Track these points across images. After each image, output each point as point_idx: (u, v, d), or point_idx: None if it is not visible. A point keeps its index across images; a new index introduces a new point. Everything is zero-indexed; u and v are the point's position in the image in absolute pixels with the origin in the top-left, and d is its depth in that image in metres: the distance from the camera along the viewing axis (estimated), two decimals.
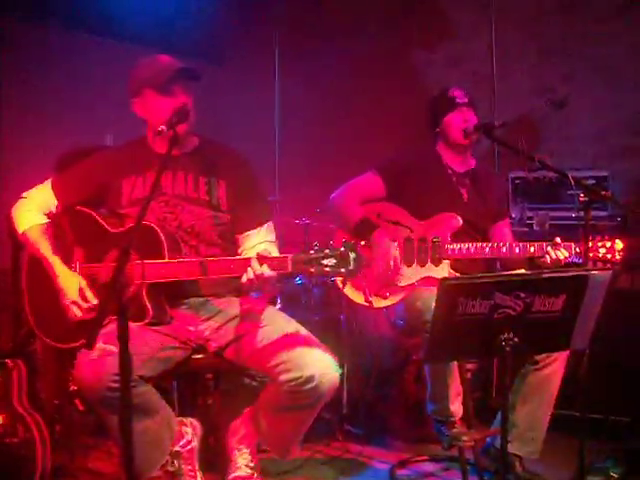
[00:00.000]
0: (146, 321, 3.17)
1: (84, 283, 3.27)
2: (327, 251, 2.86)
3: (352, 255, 2.85)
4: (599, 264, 3.71)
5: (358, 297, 4.04)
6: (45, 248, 3.36)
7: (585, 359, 3.28)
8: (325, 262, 2.85)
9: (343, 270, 2.86)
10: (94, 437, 4.30)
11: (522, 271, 3.81)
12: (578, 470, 3.36)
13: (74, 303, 3.24)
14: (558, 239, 3.82)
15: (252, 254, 3.16)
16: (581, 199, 3.33)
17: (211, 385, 3.63)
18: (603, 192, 3.49)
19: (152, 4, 5.71)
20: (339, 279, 4.04)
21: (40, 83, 5.23)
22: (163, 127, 3.06)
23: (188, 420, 3.41)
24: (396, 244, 3.94)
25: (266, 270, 2.96)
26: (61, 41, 5.42)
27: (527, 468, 3.93)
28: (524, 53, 5.92)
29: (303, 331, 3.31)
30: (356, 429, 4.68)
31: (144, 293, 3.15)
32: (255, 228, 3.49)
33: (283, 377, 3.13)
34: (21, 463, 3.52)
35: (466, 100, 4.15)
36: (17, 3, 5.08)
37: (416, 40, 6.35)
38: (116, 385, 2.86)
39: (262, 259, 2.98)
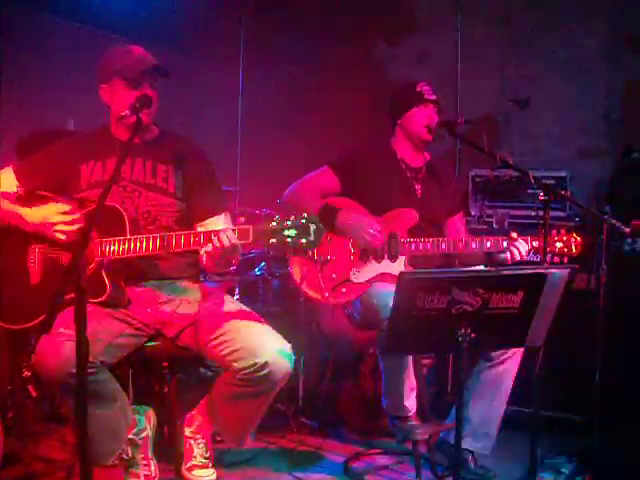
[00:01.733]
0: (103, 298, 3.18)
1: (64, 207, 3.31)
2: (288, 222, 2.89)
3: (312, 227, 2.89)
4: (555, 258, 3.75)
5: (314, 293, 4.03)
6: (8, 205, 3.38)
7: (540, 356, 3.31)
8: (286, 233, 2.88)
9: (304, 240, 2.89)
10: (47, 424, 4.26)
11: (481, 267, 3.83)
12: (530, 466, 3.38)
13: (58, 225, 3.27)
14: (514, 234, 3.86)
15: None
16: (540, 197, 3.36)
17: (167, 374, 3.61)
18: (562, 192, 3.51)
19: None
20: (296, 273, 4.04)
21: (5, 65, 5.15)
22: (127, 112, 3.05)
23: (142, 408, 3.41)
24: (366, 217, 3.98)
25: (232, 237, 2.99)
26: (28, 23, 5.35)
27: (480, 463, 3.97)
28: (489, 51, 5.95)
29: (259, 321, 3.34)
30: (311, 421, 4.68)
31: (103, 271, 3.18)
32: (214, 215, 3.51)
33: (237, 365, 3.16)
34: None
35: (434, 97, 4.15)
36: None
37: (380, 35, 6.35)
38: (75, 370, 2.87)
39: (225, 230, 3.03)
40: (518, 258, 3.86)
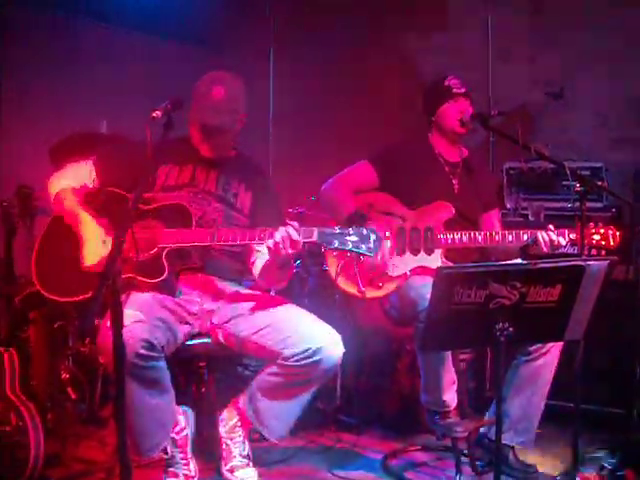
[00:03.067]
0: (160, 279, 3.27)
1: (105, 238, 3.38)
2: (350, 230, 3.07)
3: (373, 236, 3.07)
4: (593, 251, 3.71)
5: (351, 288, 4.03)
6: (75, 205, 3.46)
7: (580, 350, 3.27)
8: (347, 238, 3.06)
9: (363, 247, 3.06)
10: (85, 426, 4.29)
11: (518, 261, 3.80)
12: (571, 461, 3.35)
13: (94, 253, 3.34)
14: (551, 226, 3.83)
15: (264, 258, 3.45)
16: (577, 189, 3.32)
17: (204, 374, 3.62)
18: (599, 182, 3.47)
19: None
20: (332, 269, 4.05)
21: (36, 68, 5.20)
22: (158, 112, 3.06)
23: (182, 408, 3.42)
24: (384, 242, 3.95)
25: (294, 234, 3.12)
26: (58, 25, 5.39)
27: (521, 459, 3.93)
28: (521, 42, 5.89)
29: (306, 312, 3.44)
30: (349, 419, 4.67)
31: (164, 255, 3.29)
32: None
33: (288, 351, 3.21)
34: (14, 451, 3.50)
35: (463, 90, 4.14)
36: None
37: (411, 27, 6.31)
38: (144, 352, 2.99)
39: (289, 224, 3.17)
40: (549, 243, 3.82)
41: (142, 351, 2.98)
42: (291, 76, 6.51)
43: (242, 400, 3.46)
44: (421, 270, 3.98)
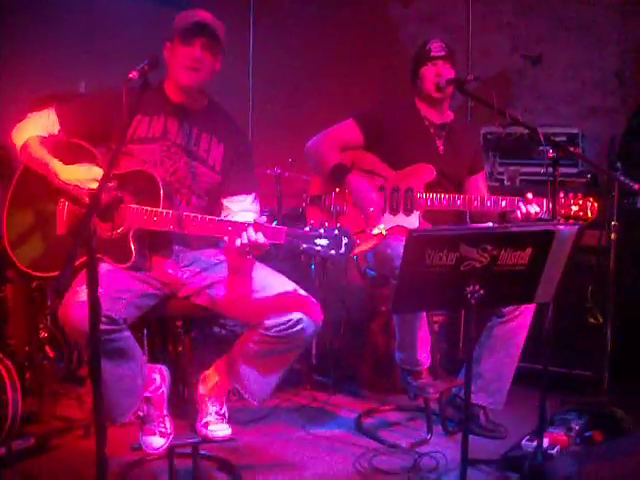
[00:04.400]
0: (128, 264, 3.19)
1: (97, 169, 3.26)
2: (321, 231, 2.92)
3: (344, 240, 2.93)
4: (571, 222, 3.75)
5: None
6: (45, 155, 3.31)
7: (550, 312, 3.33)
8: (318, 241, 2.92)
9: (333, 252, 2.93)
10: (64, 384, 4.33)
11: (489, 225, 3.84)
12: (539, 421, 3.42)
13: (84, 182, 3.21)
14: (530, 195, 3.86)
15: (238, 219, 3.27)
16: (549, 155, 3.35)
17: (181, 332, 3.65)
18: (572, 149, 3.51)
19: None
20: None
21: (17, 28, 5.17)
22: (134, 73, 3.04)
23: (157, 366, 3.44)
24: (370, 186, 4.00)
25: (261, 238, 3.02)
26: None
27: (491, 419, 4.02)
28: (501, 9, 5.90)
29: (287, 282, 3.37)
30: (324, 378, 4.74)
31: (131, 236, 3.19)
32: (242, 194, 3.54)
33: (269, 322, 3.20)
34: None
35: (443, 53, 4.13)
36: None
37: None
38: (104, 327, 2.93)
39: (258, 227, 3.03)
40: (525, 214, 3.87)
41: (101, 326, 2.86)
42: (272, 35, 6.48)
43: (223, 363, 3.48)
44: (399, 230, 4.02)
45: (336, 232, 2.93)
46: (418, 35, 5.87)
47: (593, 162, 3.98)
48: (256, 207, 3.59)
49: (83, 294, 2.84)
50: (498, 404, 3.99)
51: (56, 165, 3.28)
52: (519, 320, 3.87)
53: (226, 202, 3.54)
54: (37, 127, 3.43)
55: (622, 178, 3.58)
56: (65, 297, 3.06)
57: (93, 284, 2.33)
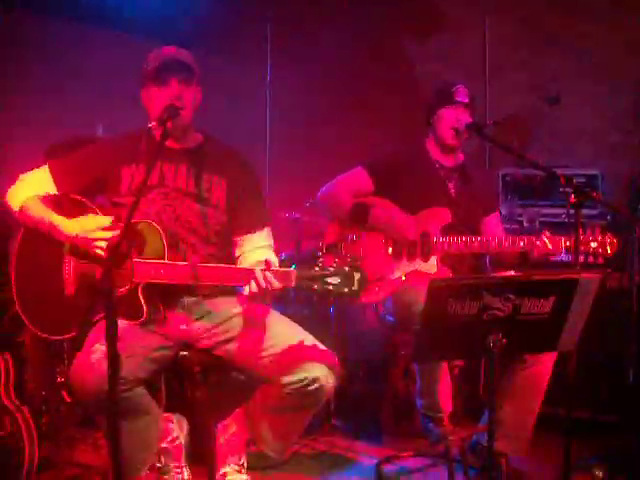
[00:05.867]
0: (141, 320, 3.12)
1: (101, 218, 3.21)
2: (332, 269, 2.86)
3: (357, 275, 2.85)
4: (590, 258, 3.72)
5: None
6: (44, 212, 3.27)
7: (573, 358, 3.28)
8: (329, 280, 2.85)
9: (346, 290, 2.85)
10: (81, 428, 4.29)
11: (512, 273, 3.81)
12: (563, 469, 3.36)
13: (97, 240, 3.14)
14: (547, 233, 3.85)
15: (251, 259, 3.26)
16: (572, 200, 3.32)
17: (199, 379, 3.62)
18: (594, 193, 3.47)
19: None
20: None
21: (31, 72, 5.20)
22: (154, 123, 3.04)
23: (174, 416, 3.41)
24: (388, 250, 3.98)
25: (271, 282, 2.95)
26: (53, 30, 5.39)
27: (513, 466, 3.94)
28: (517, 48, 5.90)
29: (306, 337, 3.28)
30: (343, 424, 4.68)
31: (140, 292, 3.11)
32: (255, 231, 3.47)
33: (285, 379, 3.14)
34: (8, 456, 3.50)
35: (466, 100, 4.11)
36: None
37: (407, 33, 6.32)
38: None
39: (267, 271, 2.96)
40: (544, 252, 3.85)
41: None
42: (288, 82, 6.49)
43: (241, 414, 3.44)
44: (417, 275, 3.99)
45: (347, 269, 2.86)
46: (433, 75, 5.89)
47: (614, 206, 3.94)
48: (270, 240, 3.52)
49: (97, 354, 2.82)
50: (520, 451, 3.92)
51: (58, 220, 3.22)
52: (541, 366, 3.81)
53: (239, 240, 3.48)
54: (32, 187, 3.38)
55: None
56: (75, 359, 3.03)
57: (112, 344, 2.30)
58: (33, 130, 4.99)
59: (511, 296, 2.74)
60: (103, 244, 3.12)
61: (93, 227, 3.15)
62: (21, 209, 3.33)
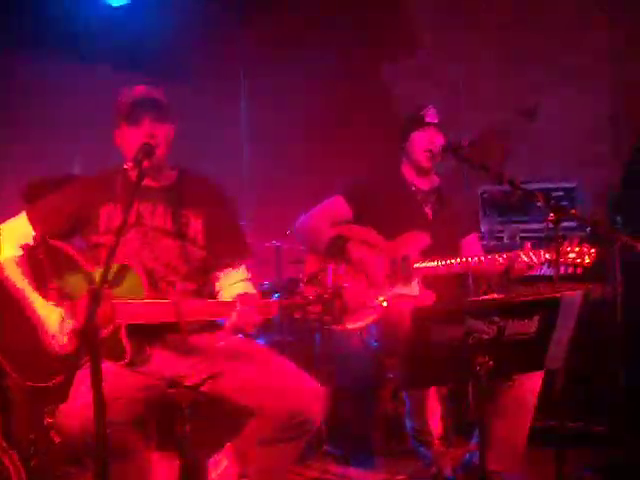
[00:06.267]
0: (125, 362, 3.11)
1: (64, 313, 3.20)
2: (312, 298, 2.89)
3: (338, 303, 2.89)
4: (569, 269, 3.74)
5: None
6: (21, 281, 3.28)
7: (561, 373, 3.30)
8: (310, 308, 2.89)
9: (328, 318, 2.89)
10: (69, 466, 4.25)
11: (494, 296, 3.83)
12: None
13: (54, 337, 3.17)
14: (528, 244, 3.91)
15: (230, 292, 3.27)
16: (550, 219, 3.35)
17: (187, 415, 3.60)
18: (572, 210, 3.51)
19: (117, 25, 5.67)
20: None
21: (7, 109, 5.19)
22: (129, 164, 3.03)
23: (165, 456, 3.39)
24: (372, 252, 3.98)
25: (253, 314, 2.97)
26: (28, 66, 5.37)
27: None
28: (490, 63, 5.93)
29: (287, 364, 3.28)
30: (335, 449, 4.66)
31: (122, 333, 3.10)
32: (234, 267, 3.48)
33: (272, 412, 3.12)
34: None
35: (435, 120, 4.16)
36: None
37: (383, 53, 6.34)
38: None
39: (247, 303, 2.98)
40: (524, 266, 3.89)
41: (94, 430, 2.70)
42: (263, 106, 6.52)
43: (232, 448, 3.42)
44: (400, 299, 4.00)
45: (326, 296, 2.89)
46: (409, 93, 5.92)
47: (592, 220, 3.96)
48: (248, 273, 3.52)
49: (80, 399, 2.80)
50: (513, 467, 3.91)
51: (32, 297, 3.25)
52: (529, 383, 3.80)
53: (221, 275, 3.48)
54: (11, 239, 3.38)
55: (624, 238, 3.55)
56: (61, 406, 3.00)
57: (98, 389, 2.28)
58: (8, 166, 4.98)
59: (495, 319, 2.74)
60: (57, 344, 3.18)
61: (60, 330, 3.17)
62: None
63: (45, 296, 3.29)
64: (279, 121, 6.45)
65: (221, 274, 3.48)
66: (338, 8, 6.36)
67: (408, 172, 4.29)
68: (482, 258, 3.95)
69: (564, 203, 4.91)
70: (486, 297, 3.62)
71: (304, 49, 6.41)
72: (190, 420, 3.57)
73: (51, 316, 3.21)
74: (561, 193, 4.88)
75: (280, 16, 6.45)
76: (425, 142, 4.15)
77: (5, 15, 5.17)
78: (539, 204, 3.55)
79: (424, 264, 4.00)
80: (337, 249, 4.04)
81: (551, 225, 3.35)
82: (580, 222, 4.74)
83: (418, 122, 4.17)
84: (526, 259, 3.88)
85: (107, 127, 3.52)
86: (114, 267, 3.11)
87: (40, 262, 3.33)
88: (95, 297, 2.49)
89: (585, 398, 4.44)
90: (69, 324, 3.18)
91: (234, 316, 2.99)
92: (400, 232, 4.11)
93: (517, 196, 4.87)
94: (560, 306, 2.83)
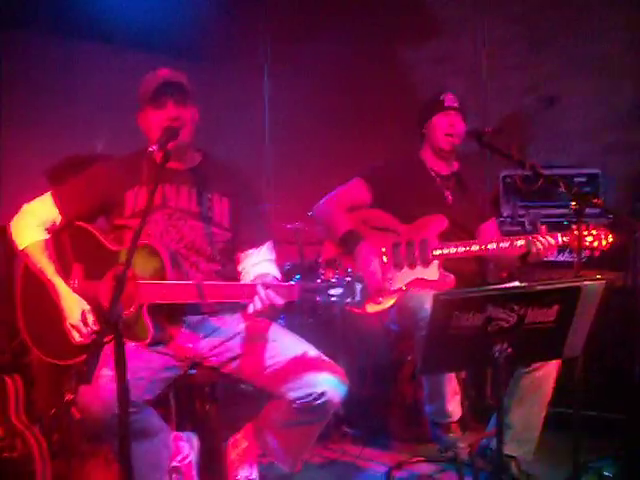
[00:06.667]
0: (147, 341, 3.14)
1: (87, 307, 3.24)
2: (333, 281, 2.88)
3: (358, 286, 2.88)
4: (586, 252, 3.74)
5: None
6: (47, 266, 3.32)
7: (579, 364, 3.30)
8: (331, 292, 2.88)
9: (349, 300, 2.88)
10: (92, 444, 4.30)
11: (516, 283, 3.84)
12: (573, 470, 3.37)
13: (75, 327, 3.22)
14: (543, 228, 3.93)
15: (252, 273, 3.30)
16: (573, 207, 3.36)
17: (208, 395, 3.63)
18: (595, 199, 3.50)
19: (139, 8, 5.66)
20: None
21: (28, 89, 5.20)
22: (154, 147, 3.05)
23: (185, 434, 3.43)
24: (377, 261, 3.97)
25: (274, 298, 2.97)
26: (45, 46, 5.38)
27: (522, 468, 3.96)
28: (513, 49, 5.90)
29: (310, 350, 3.29)
30: (353, 430, 4.70)
31: (145, 312, 3.13)
32: (257, 247, 3.51)
33: (293, 394, 3.14)
34: (21, 478, 3.53)
35: (455, 105, 4.19)
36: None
37: (402, 38, 6.31)
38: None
39: (269, 287, 2.99)
40: (543, 250, 3.90)
41: (116, 410, 2.67)
42: (285, 90, 6.51)
43: (251, 428, 3.45)
44: (419, 282, 4.03)
45: (348, 279, 2.89)
46: (429, 79, 5.91)
47: (613, 209, 3.96)
48: (272, 254, 3.55)
49: (102, 380, 2.84)
50: (529, 453, 3.93)
51: (57, 284, 3.29)
52: (546, 369, 3.82)
53: (242, 256, 3.51)
54: (37, 222, 3.41)
55: None
56: (81, 386, 3.04)
57: (122, 371, 2.32)
58: (32, 147, 4.99)
59: (515, 307, 2.76)
60: (76, 335, 3.22)
61: (77, 311, 3.24)
62: (24, 252, 3.39)
63: (68, 277, 3.34)
64: (302, 104, 6.43)
65: (242, 255, 3.51)
66: None
67: (428, 157, 4.31)
68: (501, 241, 3.96)
69: (586, 189, 4.89)
70: (507, 285, 3.62)
71: (323, 34, 6.37)
72: (210, 400, 3.62)
73: (73, 308, 3.25)
74: (584, 179, 4.86)
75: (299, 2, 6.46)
76: (445, 125, 4.18)
77: None
78: (561, 190, 3.55)
79: (443, 251, 4.00)
80: (350, 245, 4.04)
81: (573, 214, 3.36)
82: (602, 210, 4.74)
83: (438, 106, 4.20)
84: (543, 242, 3.89)
85: (129, 107, 3.55)
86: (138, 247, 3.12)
87: (65, 244, 3.38)
88: (120, 282, 2.51)
89: (603, 385, 4.44)
90: (90, 318, 3.22)
91: (256, 300, 2.99)
92: (419, 215, 4.13)
93: (539, 181, 4.86)
94: (580, 295, 2.83)
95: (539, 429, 3.91)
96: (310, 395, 3.11)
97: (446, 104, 4.18)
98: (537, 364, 3.80)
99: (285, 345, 3.31)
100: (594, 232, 3.81)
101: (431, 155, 4.30)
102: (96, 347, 2.44)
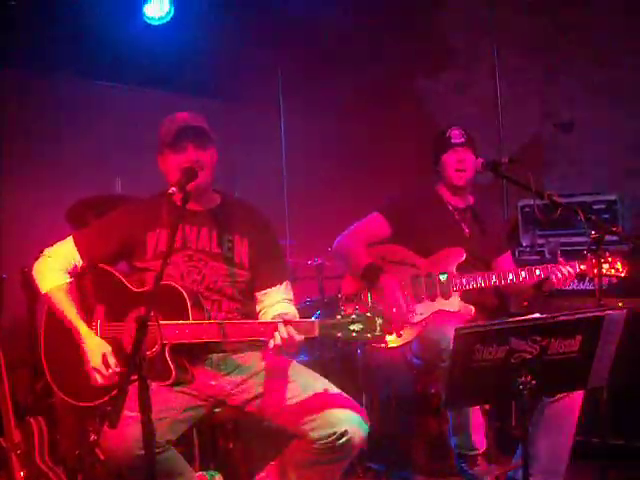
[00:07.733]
0: (169, 382, 3.16)
1: (109, 350, 3.25)
2: (354, 316, 2.89)
3: (379, 321, 2.88)
4: (604, 279, 3.74)
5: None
6: (69, 309, 3.34)
7: (604, 394, 3.28)
8: (352, 327, 2.89)
9: (369, 335, 2.89)
10: None
11: (537, 315, 3.82)
12: None
13: (96, 370, 3.22)
14: (562, 259, 3.97)
15: (271, 313, 3.29)
16: (592, 236, 3.37)
17: (231, 430, 3.62)
18: (613, 227, 3.50)
19: (155, 46, 5.72)
20: None
21: (45, 130, 5.26)
22: (174, 189, 3.07)
23: (210, 474, 3.41)
24: (401, 293, 4.00)
25: (294, 335, 2.98)
26: (65, 88, 5.44)
27: None
28: (528, 77, 5.92)
29: (331, 388, 3.28)
30: (377, 465, 4.66)
31: (167, 353, 3.14)
32: (274, 286, 3.51)
33: (314, 434, 3.12)
34: None
35: (462, 140, 4.23)
36: (22, 53, 5.10)
37: (418, 69, 6.35)
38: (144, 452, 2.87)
39: (289, 323, 3.00)
40: (561, 279, 3.94)
41: (141, 452, 2.73)
42: (300, 125, 6.53)
43: (275, 467, 3.43)
44: (440, 314, 4.04)
45: (368, 314, 2.89)
46: (447, 108, 5.92)
47: (633, 236, 3.95)
48: (290, 294, 3.56)
49: (126, 421, 2.83)
50: None
51: (79, 326, 3.30)
52: (570, 398, 3.79)
53: (259, 295, 3.52)
54: (59, 266, 3.43)
55: None
56: (104, 427, 3.03)
57: (147, 413, 2.32)
58: (49, 188, 5.04)
59: (538, 338, 2.76)
60: (98, 378, 3.21)
61: (98, 354, 3.23)
62: (47, 295, 3.40)
63: (90, 319, 3.36)
64: (318, 139, 6.46)
65: (260, 295, 3.52)
66: (372, 24, 6.37)
67: (444, 192, 4.37)
68: (519, 270, 3.99)
69: (605, 216, 4.88)
70: (529, 317, 3.61)
71: (338, 65, 6.42)
72: (233, 439, 3.61)
73: (95, 350, 3.25)
74: (602, 206, 4.85)
75: (314, 33, 6.48)
76: (454, 162, 4.24)
77: (48, 33, 5.23)
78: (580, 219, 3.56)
79: (463, 278, 4.02)
80: (370, 280, 4.07)
81: (593, 242, 3.37)
82: (621, 237, 4.73)
83: (445, 144, 4.26)
84: (563, 272, 3.91)
85: (147, 145, 3.59)
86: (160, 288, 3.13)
87: (88, 286, 3.40)
88: (143, 324, 2.52)
89: (628, 414, 4.39)
90: (112, 360, 3.22)
91: (276, 336, 3.00)
92: (437, 248, 4.17)
93: (557, 211, 4.86)
94: (602, 325, 2.82)
95: (566, 460, 3.86)
96: (332, 435, 3.09)
97: (453, 141, 4.24)
98: (561, 394, 3.78)
99: (306, 383, 3.29)
100: (609, 259, 3.83)
101: (446, 191, 4.36)
102: (120, 390, 2.43)
